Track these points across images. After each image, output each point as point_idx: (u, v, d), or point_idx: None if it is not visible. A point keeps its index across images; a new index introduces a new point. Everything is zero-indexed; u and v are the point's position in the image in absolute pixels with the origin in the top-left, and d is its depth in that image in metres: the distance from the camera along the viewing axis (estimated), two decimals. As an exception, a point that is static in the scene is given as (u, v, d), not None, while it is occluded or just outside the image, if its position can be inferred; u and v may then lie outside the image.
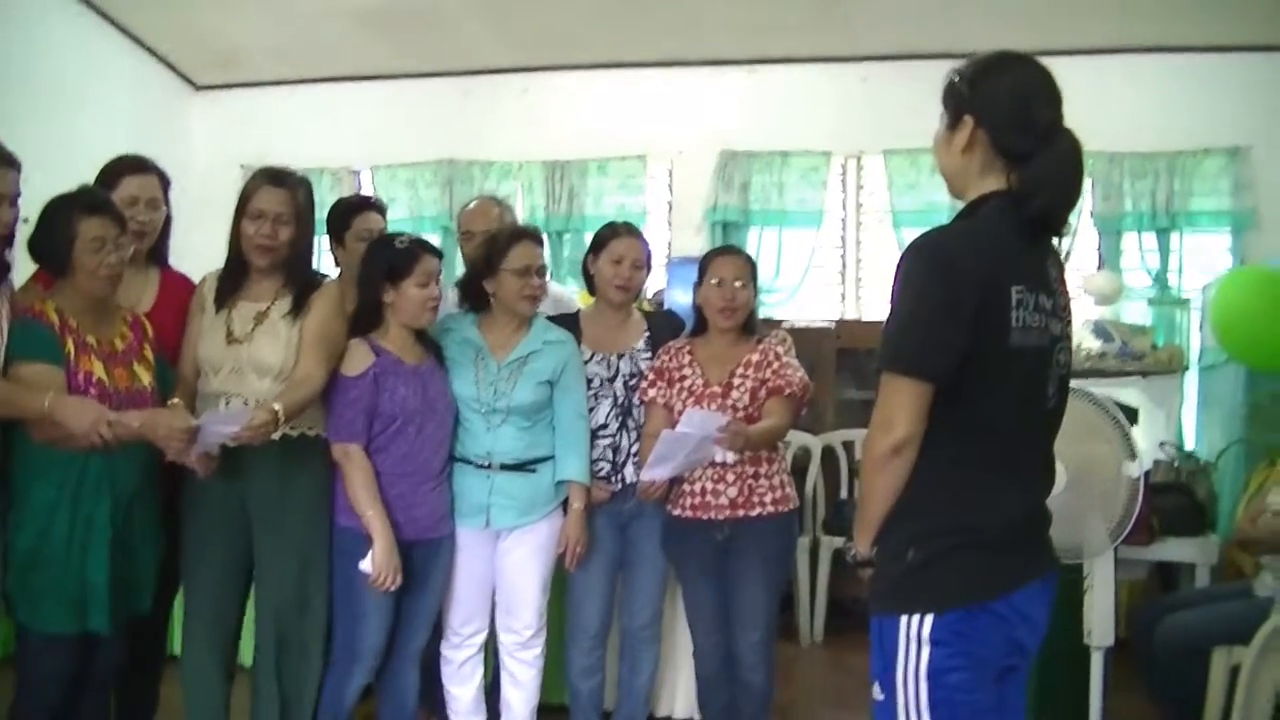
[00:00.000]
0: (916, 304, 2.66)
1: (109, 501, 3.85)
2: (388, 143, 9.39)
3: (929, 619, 2.63)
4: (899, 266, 2.71)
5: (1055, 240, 2.86)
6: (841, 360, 7.88)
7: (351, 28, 8.66)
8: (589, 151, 9.10)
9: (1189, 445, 7.41)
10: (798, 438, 7.11)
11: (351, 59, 9.16)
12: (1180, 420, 7.68)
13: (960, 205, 2.85)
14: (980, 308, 2.59)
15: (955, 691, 2.64)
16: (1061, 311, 2.80)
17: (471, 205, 5.64)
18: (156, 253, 4.50)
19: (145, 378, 4.00)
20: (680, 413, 4.51)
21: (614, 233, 4.85)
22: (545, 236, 8.38)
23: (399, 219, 9.06)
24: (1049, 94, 2.75)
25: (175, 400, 4.01)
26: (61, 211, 3.84)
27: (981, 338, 2.60)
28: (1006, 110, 2.72)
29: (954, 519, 2.66)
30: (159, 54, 9.28)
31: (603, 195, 9.11)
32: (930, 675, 2.63)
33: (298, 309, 4.22)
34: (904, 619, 2.66)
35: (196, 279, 4.45)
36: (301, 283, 4.29)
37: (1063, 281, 2.85)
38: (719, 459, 4.44)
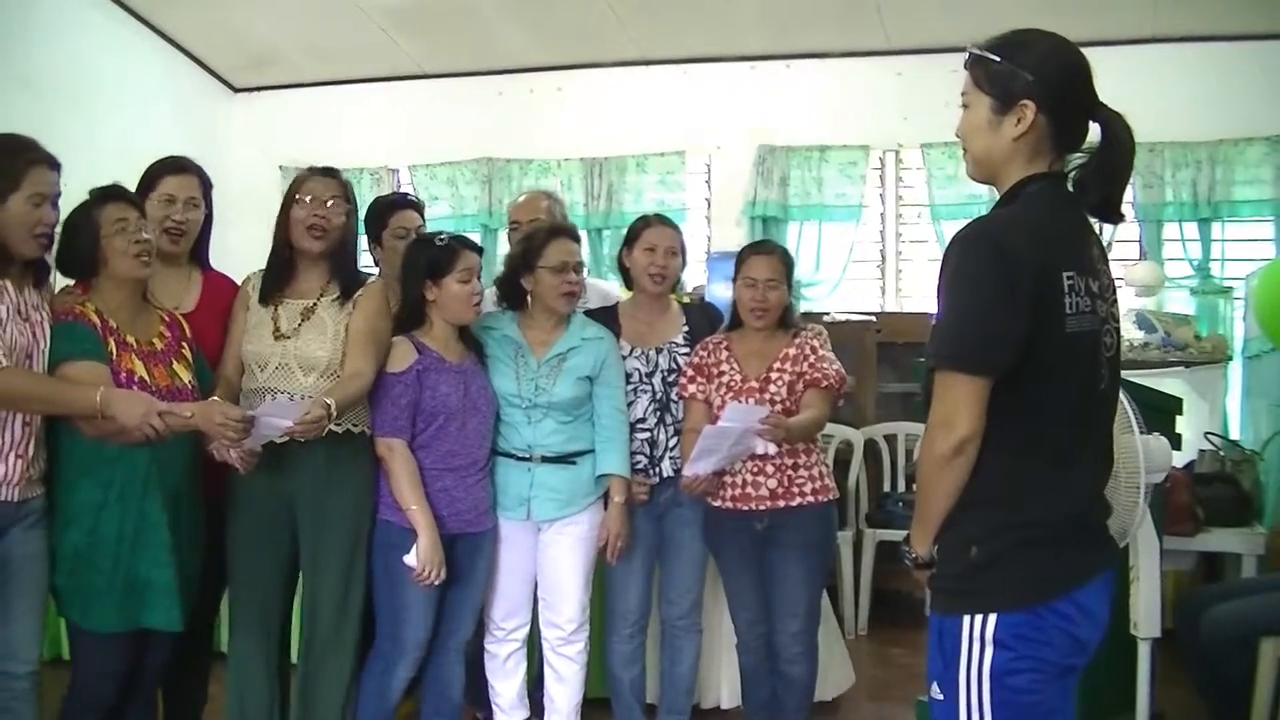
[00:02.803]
0: (970, 296, 2.59)
1: (159, 498, 3.87)
2: (426, 142, 9.44)
3: (993, 619, 2.58)
4: (946, 259, 2.65)
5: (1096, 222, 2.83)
6: (882, 353, 7.86)
7: (386, 28, 8.71)
8: (627, 148, 9.12)
9: (1234, 435, 7.36)
10: (840, 431, 7.10)
11: (387, 59, 9.20)
12: (1225, 410, 7.65)
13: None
14: (1035, 296, 2.54)
15: (1019, 693, 2.59)
16: (1106, 292, 2.74)
17: (521, 198, 5.65)
18: (197, 254, 4.54)
19: (185, 376, 4.02)
20: (719, 408, 4.55)
21: (646, 223, 4.89)
22: (584, 234, 8.50)
23: (440, 216, 9.14)
24: (1091, 73, 2.71)
25: (215, 398, 3.98)
26: (79, 213, 3.88)
27: (1038, 327, 2.54)
28: (1070, 96, 2.67)
29: (1017, 514, 2.60)
30: (196, 57, 9.35)
31: (642, 191, 9.11)
32: (994, 676, 2.58)
33: (345, 300, 4.27)
34: (966, 619, 2.60)
35: (235, 278, 4.49)
36: (349, 276, 4.34)
37: (1105, 262, 2.78)
38: (760, 451, 4.44)
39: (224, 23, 8.83)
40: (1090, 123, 2.71)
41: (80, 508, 3.82)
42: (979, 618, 2.59)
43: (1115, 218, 2.81)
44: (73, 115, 7.63)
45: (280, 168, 9.15)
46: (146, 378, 3.87)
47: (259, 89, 9.83)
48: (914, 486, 2.97)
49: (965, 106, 2.77)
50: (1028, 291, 2.53)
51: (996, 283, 2.54)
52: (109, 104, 8.17)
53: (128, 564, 3.84)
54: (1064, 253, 2.63)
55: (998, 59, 2.68)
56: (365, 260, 5.20)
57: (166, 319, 4.11)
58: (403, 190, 9.21)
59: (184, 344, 4.11)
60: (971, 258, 2.60)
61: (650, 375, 4.78)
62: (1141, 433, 3.82)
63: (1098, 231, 2.82)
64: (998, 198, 2.77)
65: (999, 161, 2.72)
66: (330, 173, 4.37)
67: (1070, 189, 2.73)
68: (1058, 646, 2.61)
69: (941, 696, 2.67)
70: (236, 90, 9.86)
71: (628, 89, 9.18)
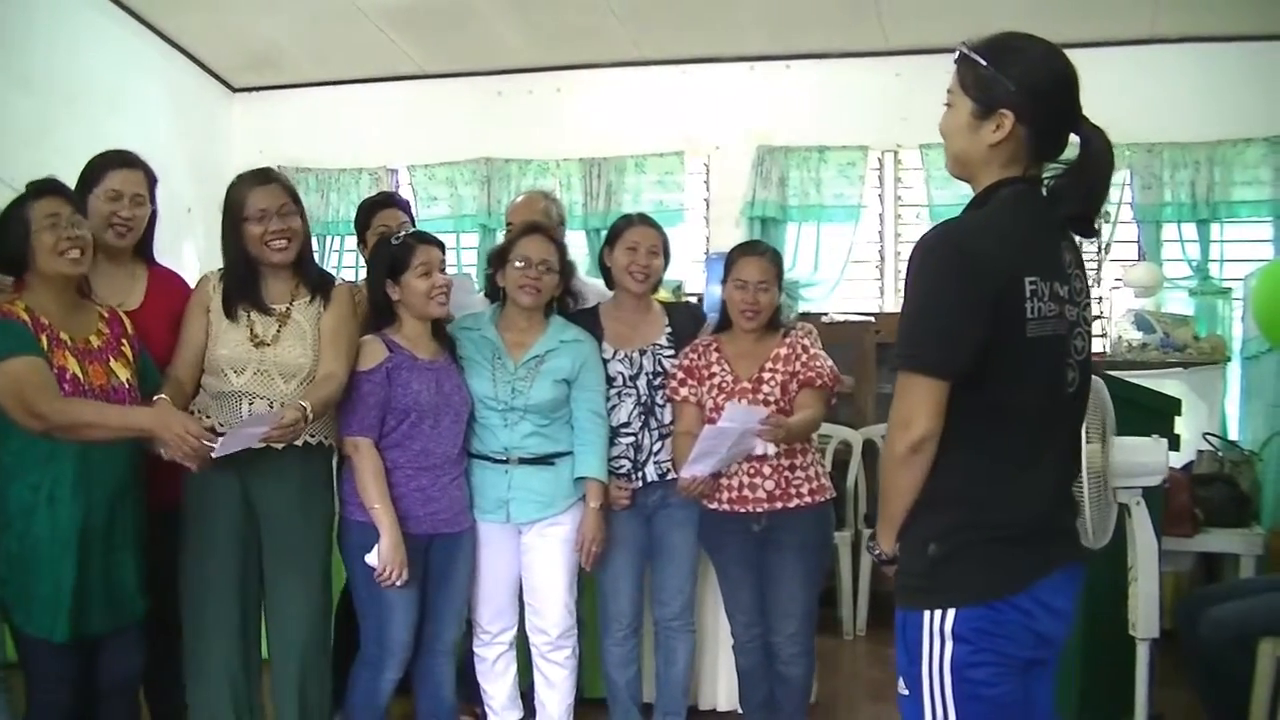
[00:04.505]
0: (930, 300, 2.65)
1: (83, 505, 3.79)
2: (425, 142, 9.42)
3: (951, 614, 2.62)
4: (911, 261, 2.70)
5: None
6: (881, 354, 7.83)
7: (386, 28, 8.69)
8: (626, 148, 9.10)
9: (1232, 436, 7.37)
10: (838, 432, 7.10)
11: (386, 60, 9.19)
12: (1223, 411, 7.65)
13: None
14: (995, 301, 2.57)
15: (980, 686, 2.63)
16: (1078, 296, 2.76)
17: (519, 199, 5.70)
18: (142, 250, 4.46)
19: (123, 374, 3.93)
20: (712, 410, 4.55)
21: (628, 223, 4.91)
22: (583, 234, 8.49)
23: (439, 217, 9.18)
24: (1077, 87, 2.72)
25: (161, 396, 3.93)
26: (12, 207, 3.81)
27: (998, 331, 2.58)
28: (1051, 109, 2.69)
29: (975, 512, 2.65)
30: (195, 57, 9.32)
31: (640, 192, 9.09)
32: (954, 670, 2.62)
33: (319, 302, 4.26)
34: (926, 614, 2.65)
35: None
36: (317, 278, 4.34)
37: (1080, 266, 2.81)
38: (759, 451, 4.45)
39: (223, 23, 8.81)
40: (1071, 134, 2.74)
41: (13, 512, 3.77)
42: (938, 613, 2.64)
43: (1089, 231, 2.84)
44: (72, 116, 7.63)
45: (279, 168, 9.12)
46: (81, 376, 3.79)
47: (258, 89, 9.80)
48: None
49: (948, 105, 2.80)
50: (988, 296, 2.57)
51: (956, 287, 2.60)
52: (108, 105, 8.14)
53: (59, 569, 3.77)
54: (1029, 258, 2.66)
55: (984, 63, 2.70)
56: (353, 259, 5.20)
57: (106, 315, 4.02)
58: (400, 190, 9.22)
59: (124, 341, 4.02)
60: (933, 261, 2.66)
61: (634, 378, 4.77)
62: (1113, 435, 3.82)
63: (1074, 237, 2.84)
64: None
65: (975, 163, 2.76)
66: (268, 178, 4.29)
67: (1045, 194, 2.76)
68: (1018, 640, 2.65)
69: (907, 692, 2.72)
70: (235, 90, 9.84)
71: (626, 89, 9.17)
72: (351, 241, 8.76)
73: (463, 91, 9.41)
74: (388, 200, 5.34)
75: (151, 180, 4.42)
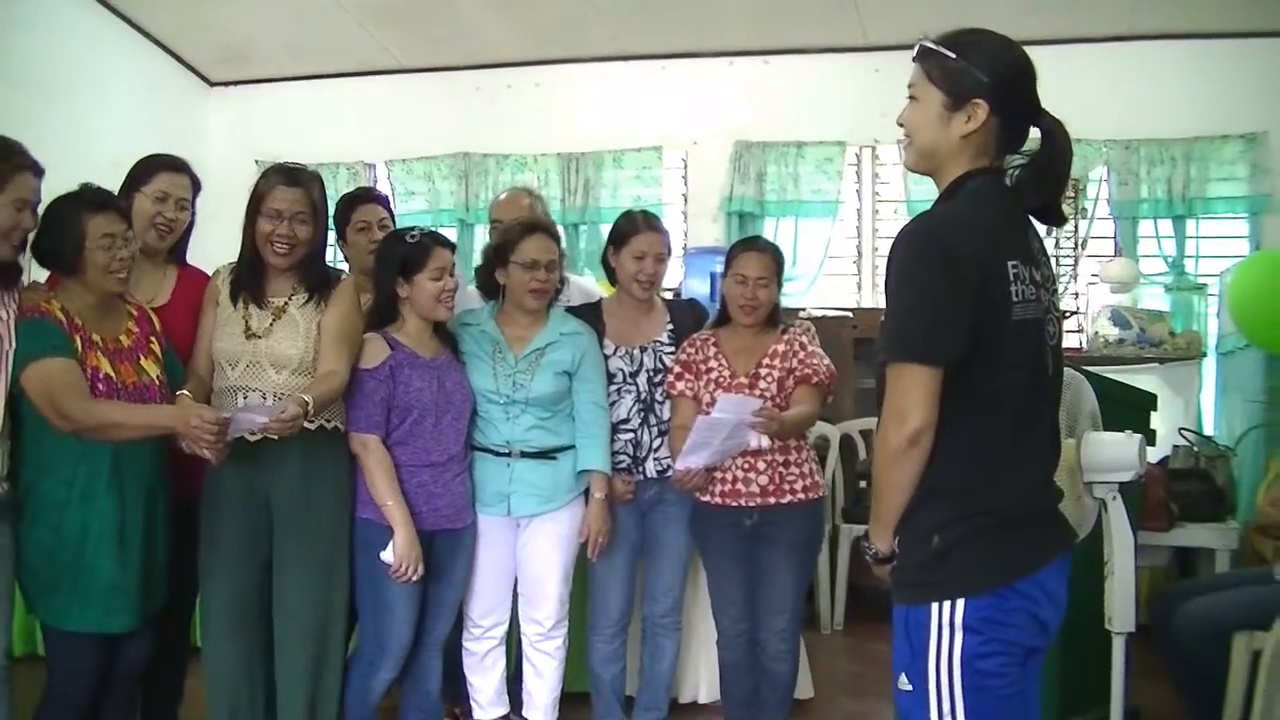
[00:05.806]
0: (916, 290, 2.64)
1: (118, 500, 3.85)
2: (402, 137, 9.41)
3: (960, 604, 2.61)
4: (892, 256, 2.69)
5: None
6: (859, 349, 7.84)
7: (364, 22, 8.70)
8: (604, 143, 9.10)
9: (1208, 431, 7.40)
10: (816, 426, 7.07)
11: (364, 54, 9.18)
12: (1199, 406, 7.67)
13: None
14: (981, 286, 2.58)
15: (989, 677, 2.62)
16: (1049, 283, 2.79)
17: (502, 196, 5.67)
18: (175, 250, 4.51)
19: (153, 371, 4.00)
20: (708, 404, 4.53)
21: (634, 228, 4.83)
22: (561, 229, 8.44)
23: (416, 212, 9.15)
24: (1035, 78, 2.76)
25: (184, 392, 3.99)
26: (68, 211, 3.83)
27: (985, 315, 2.59)
28: (1018, 99, 2.73)
29: (975, 500, 2.64)
30: (173, 51, 9.31)
31: (619, 187, 9.10)
32: (964, 662, 2.61)
33: (317, 301, 4.24)
34: (934, 606, 2.63)
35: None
36: (318, 276, 4.31)
37: (1045, 254, 2.84)
38: (753, 444, 4.45)
39: (201, 17, 8.81)
40: (1031, 126, 2.77)
41: (44, 507, 3.80)
42: (946, 604, 2.62)
43: (1057, 219, 2.87)
44: (49, 110, 7.61)
45: (257, 162, 9.07)
46: (113, 375, 3.85)
47: (235, 83, 9.80)
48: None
49: (913, 99, 2.83)
50: (972, 283, 2.58)
51: (941, 275, 2.60)
52: (86, 99, 8.14)
53: (91, 564, 3.82)
54: (1007, 243, 2.68)
55: (952, 55, 2.74)
56: (331, 254, 5.19)
57: (135, 313, 4.08)
58: (377, 185, 9.20)
59: (153, 338, 4.08)
60: (915, 254, 2.66)
61: (634, 375, 4.76)
62: (1092, 430, 3.83)
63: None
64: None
65: (945, 156, 2.78)
66: (296, 180, 4.25)
67: (1009, 186, 2.78)
68: (1022, 628, 2.66)
69: (910, 687, 2.70)
70: (213, 85, 9.82)
71: (605, 84, 9.18)
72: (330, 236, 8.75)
73: (441, 86, 9.41)
74: (367, 195, 5.33)
75: (196, 186, 4.50)
